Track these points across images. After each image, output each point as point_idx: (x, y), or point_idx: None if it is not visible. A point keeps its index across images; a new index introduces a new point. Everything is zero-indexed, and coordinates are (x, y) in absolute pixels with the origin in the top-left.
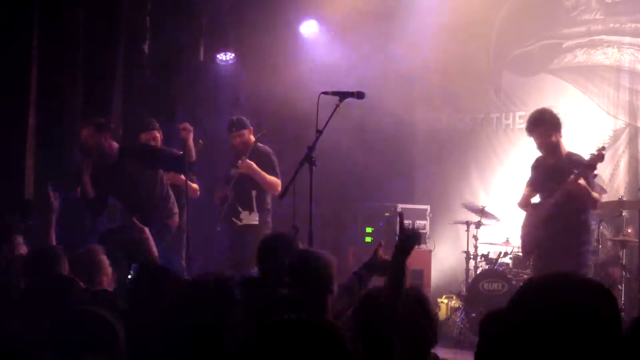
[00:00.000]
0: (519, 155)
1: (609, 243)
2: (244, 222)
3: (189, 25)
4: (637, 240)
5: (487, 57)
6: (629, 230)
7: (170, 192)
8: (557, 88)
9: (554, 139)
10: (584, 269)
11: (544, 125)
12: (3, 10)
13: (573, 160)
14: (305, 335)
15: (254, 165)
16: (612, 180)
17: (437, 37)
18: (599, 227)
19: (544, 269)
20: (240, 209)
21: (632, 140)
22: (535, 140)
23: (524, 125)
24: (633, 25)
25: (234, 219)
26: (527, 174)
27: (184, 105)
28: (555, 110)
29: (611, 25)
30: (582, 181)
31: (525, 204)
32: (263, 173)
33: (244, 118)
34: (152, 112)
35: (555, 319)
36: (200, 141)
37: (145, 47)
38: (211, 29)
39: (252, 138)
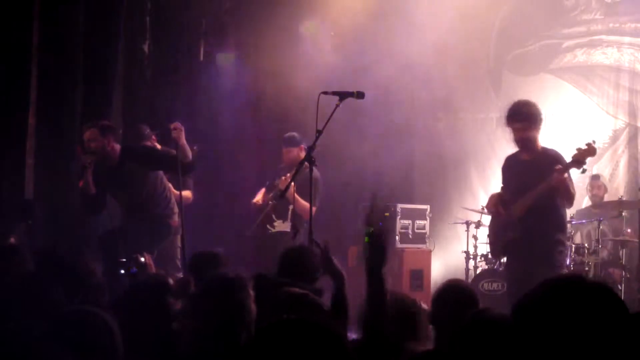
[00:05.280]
0: None
1: (609, 243)
2: (277, 229)
3: (189, 25)
4: (637, 240)
5: (487, 57)
6: (629, 230)
7: (170, 193)
8: (557, 88)
9: (534, 133)
10: (559, 269)
11: (529, 119)
12: (3, 9)
13: (550, 156)
14: (304, 335)
15: (291, 189)
16: (611, 180)
17: (437, 37)
18: (599, 227)
19: (517, 271)
20: (274, 218)
21: (631, 140)
22: (514, 132)
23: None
24: (633, 25)
25: (268, 226)
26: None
27: (184, 106)
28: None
29: (611, 25)
30: (566, 175)
31: (494, 203)
32: (297, 197)
33: (296, 135)
34: (152, 113)
35: (565, 321)
36: (195, 147)
37: (145, 47)
38: (211, 29)
39: (302, 155)
